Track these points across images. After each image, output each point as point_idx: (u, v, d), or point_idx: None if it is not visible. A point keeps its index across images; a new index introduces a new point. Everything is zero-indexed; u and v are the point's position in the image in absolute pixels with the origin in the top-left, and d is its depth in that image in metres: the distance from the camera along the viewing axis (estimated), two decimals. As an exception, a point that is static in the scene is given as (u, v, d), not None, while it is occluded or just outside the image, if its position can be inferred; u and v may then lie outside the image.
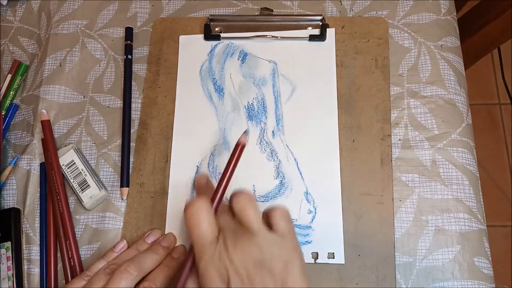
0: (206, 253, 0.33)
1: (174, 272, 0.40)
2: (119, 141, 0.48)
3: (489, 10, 0.71)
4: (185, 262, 0.36)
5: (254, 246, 0.32)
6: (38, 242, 0.45)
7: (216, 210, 0.36)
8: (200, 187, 0.42)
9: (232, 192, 0.35)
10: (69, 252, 0.43)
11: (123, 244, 0.42)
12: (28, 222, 0.45)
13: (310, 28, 0.50)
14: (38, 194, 0.46)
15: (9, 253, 0.43)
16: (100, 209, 0.45)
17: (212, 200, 0.36)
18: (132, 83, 0.50)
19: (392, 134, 0.46)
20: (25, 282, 0.44)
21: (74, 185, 0.45)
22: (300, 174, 0.45)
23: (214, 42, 0.50)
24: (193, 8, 0.53)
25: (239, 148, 0.38)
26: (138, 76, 0.50)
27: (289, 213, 0.35)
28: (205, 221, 0.34)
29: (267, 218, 0.35)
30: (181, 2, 0.53)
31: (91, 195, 0.44)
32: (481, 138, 1.18)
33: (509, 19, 0.67)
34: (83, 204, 0.44)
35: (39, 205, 0.46)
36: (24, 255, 0.44)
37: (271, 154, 0.46)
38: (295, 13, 0.51)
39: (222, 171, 0.45)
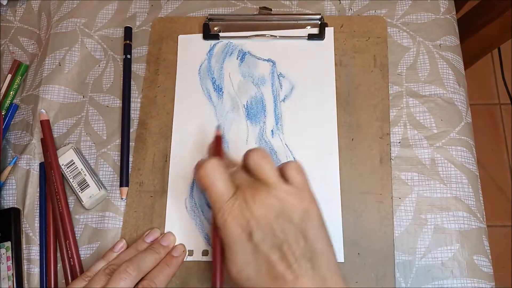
0: (226, 209, 0.33)
1: (174, 271, 0.41)
2: (118, 141, 0.48)
3: (489, 10, 0.71)
4: (214, 260, 0.35)
5: (273, 198, 0.33)
6: (38, 242, 0.45)
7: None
8: (211, 148, 0.42)
9: (245, 151, 0.36)
10: (69, 251, 0.43)
11: (122, 244, 0.42)
12: (28, 222, 0.45)
13: (309, 27, 0.50)
14: (38, 194, 0.46)
15: (9, 253, 0.43)
16: (100, 209, 0.45)
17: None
18: (131, 82, 0.50)
19: (391, 132, 0.46)
20: (25, 282, 0.44)
21: (74, 184, 0.45)
22: (299, 173, 0.44)
23: (213, 42, 0.51)
24: (192, 7, 0.53)
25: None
26: (137, 75, 0.50)
27: (302, 166, 0.36)
28: (221, 179, 0.34)
29: (281, 173, 0.35)
30: (180, 2, 0.53)
31: (90, 194, 0.44)
32: (481, 138, 1.18)
33: (509, 19, 0.67)
34: (83, 203, 0.44)
35: (38, 205, 0.46)
36: (24, 255, 0.45)
37: (270, 153, 0.46)
38: (293, 12, 0.52)
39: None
